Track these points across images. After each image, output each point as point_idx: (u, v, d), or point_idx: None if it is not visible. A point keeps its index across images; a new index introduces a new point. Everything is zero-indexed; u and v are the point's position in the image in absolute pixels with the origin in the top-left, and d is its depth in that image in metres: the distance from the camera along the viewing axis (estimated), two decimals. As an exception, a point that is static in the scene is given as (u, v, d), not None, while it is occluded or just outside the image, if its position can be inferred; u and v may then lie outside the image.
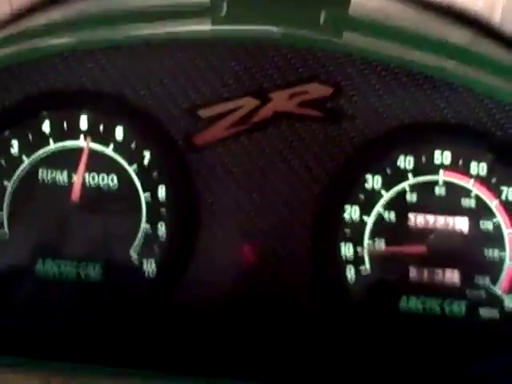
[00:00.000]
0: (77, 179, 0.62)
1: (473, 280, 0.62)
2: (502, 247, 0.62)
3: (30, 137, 0.63)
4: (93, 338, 0.63)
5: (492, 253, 0.62)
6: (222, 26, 0.65)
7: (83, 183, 0.63)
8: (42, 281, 0.63)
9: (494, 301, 0.62)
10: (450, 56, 0.64)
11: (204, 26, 0.65)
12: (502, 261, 0.62)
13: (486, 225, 0.62)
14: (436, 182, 0.62)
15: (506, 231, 0.62)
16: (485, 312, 0.62)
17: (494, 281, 0.62)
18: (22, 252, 0.63)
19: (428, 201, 0.62)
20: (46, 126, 0.63)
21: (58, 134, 0.63)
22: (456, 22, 0.79)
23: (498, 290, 0.62)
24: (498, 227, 0.62)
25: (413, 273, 0.62)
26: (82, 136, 0.63)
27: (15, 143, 0.63)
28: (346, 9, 0.70)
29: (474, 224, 0.62)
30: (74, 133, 0.63)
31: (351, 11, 0.71)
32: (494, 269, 0.62)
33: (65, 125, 0.63)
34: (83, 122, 0.63)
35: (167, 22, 0.65)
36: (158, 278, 0.63)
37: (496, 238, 0.62)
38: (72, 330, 0.63)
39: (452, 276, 0.62)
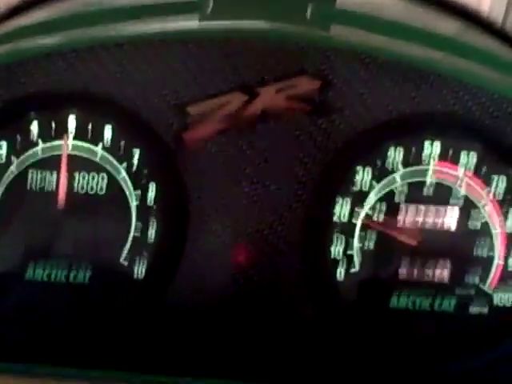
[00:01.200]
0: (61, 183, 0.62)
1: (463, 277, 0.63)
2: (491, 245, 0.63)
3: (19, 138, 0.63)
4: (83, 341, 0.63)
5: (481, 251, 0.63)
6: (208, 22, 0.65)
7: (72, 184, 0.63)
8: (32, 285, 0.63)
9: (484, 298, 0.63)
10: (438, 47, 0.64)
11: (190, 23, 0.65)
12: (491, 258, 0.63)
13: (475, 223, 0.62)
14: (426, 173, 0.62)
15: (494, 229, 0.62)
16: (474, 309, 0.63)
17: (484, 278, 0.63)
18: (12, 257, 0.63)
19: (418, 192, 0.62)
20: (34, 127, 0.63)
21: (47, 135, 0.63)
22: (444, 12, 0.79)
23: (488, 287, 0.63)
24: (486, 226, 0.62)
25: (403, 271, 0.63)
26: (70, 136, 0.63)
27: (3, 145, 0.63)
28: (333, 2, 0.70)
29: (463, 222, 0.63)
30: (63, 133, 0.63)
31: (338, 4, 0.71)
32: (483, 266, 0.63)
33: (53, 125, 0.63)
34: (71, 123, 0.63)
35: (154, 20, 0.65)
36: (148, 280, 0.63)
37: (485, 237, 0.63)
38: (63, 334, 0.63)
39: (442, 275, 0.63)
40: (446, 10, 0.79)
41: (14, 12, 0.76)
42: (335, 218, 0.63)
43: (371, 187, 0.62)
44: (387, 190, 0.63)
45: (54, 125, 0.63)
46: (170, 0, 0.68)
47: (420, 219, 0.63)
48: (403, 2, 0.79)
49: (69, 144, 0.62)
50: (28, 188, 0.63)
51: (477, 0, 0.81)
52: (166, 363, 0.64)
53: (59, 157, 0.63)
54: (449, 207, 0.63)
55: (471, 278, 0.63)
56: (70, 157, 0.63)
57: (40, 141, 0.63)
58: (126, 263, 0.63)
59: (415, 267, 0.63)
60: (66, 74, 0.62)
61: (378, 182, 0.62)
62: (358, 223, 0.62)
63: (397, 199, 0.63)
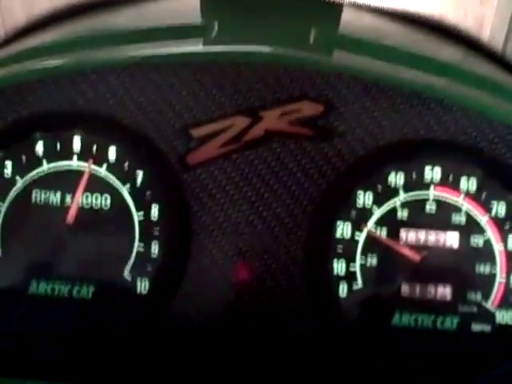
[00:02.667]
0: (74, 202, 0.63)
1: (465, 296, 0.63)
2: (493, 262, 0.63)
3: (24, 158, 0.63)
4: (86, 357, 0.63)
5: (483, 268, 0.63)
6: (213, 46, 0.66)
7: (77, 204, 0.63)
8: (36, 300, 0.63)
9: (486, 316, 0.63)
10: (439, 73, 0.65)
11: (195, 47, 0.66)
12: (493, 276, 0.63)
13: (477, 241, 0.63)
14: (427, 198, 0.63)
15: (496, 247, 0.62)
16: (477, 327, 0.63)
17: (486, 296, 0.63)
18: (16, 273, 0.63)
19: (419, 217, 0.63)
20: (39, 147, 0.63)
21: (52, 155, 0.63)
22: (446, 38, 0.80)
23: (490, 305, 0.63)
24: (488, 243, 0.63)
25: (405, 289, 0.63)
26: (75, 157, 0.63)
27: (9, 164, 0.63)
28: (335, 27, 0.71)
29: (465, 240, 0.63)
30: (68, 154, 0.63)
31: (341, 29, 0.72)
32: (485, 284, 0.63)
33: (58, 146, 0.63)
34: (76, 143, 0.63)
35: (159, 43, 0.65)
36: (151, 297, 0.63)
37: (487, 254, 0.63)
38: (66, 350, 0.63)
39: (444, 292, 0.63)
40: (447, 37, 0.80)
41: (20, 34, 0.77)
42: (338, 237, 0.63)
43: (372, 211, 0.63)
44: (388, 212, 0.63)
45: (58, 145, 0.63)
46: (175, 24, 0.69)
47: (421, 241, 0.63)
48: (405, 28, 0.80)
49: (90, 167, 0.63)
50: (32, 206, 0.63)
51: (478, 27, 0.81)
52: (167, 378, 0.63)
53: (63, 176, 0.63)
54: (450, 228, 0.63)
55: (473, 295, 0.63)
56: (74, 176, 0.63)
57: (45, 161, 0.63)
58: (129, 278, 0.64)
59: (417, 285, 0.63)
60: (71, 95, 0.63)
61: (379, 206, 0.63)
62: (360, 244, 0.63)
63: (398, 222, 0.63)
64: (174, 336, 0.63)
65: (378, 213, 0.63)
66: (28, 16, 0.78)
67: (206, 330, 0.63)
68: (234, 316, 0.63)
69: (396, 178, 0.63)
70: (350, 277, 0.63)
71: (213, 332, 0.63)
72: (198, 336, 0.63)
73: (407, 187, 0.63)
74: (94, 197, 0.63)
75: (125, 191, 0.63)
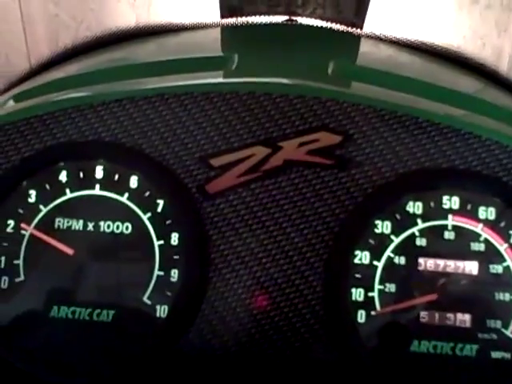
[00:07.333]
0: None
1: (484, 323, 0.62)
2: None
3: (48, 186, 0.65)
4: (105, 380, 0.63)
5: (503, 296, 0.62)
6: (233, 77, 0.67)
7: (98, 230, 0.64)
8: (57, 323, 0.64)
9: (506, 343, 0.62)
10: (457, 104, 0.66)
11: (216, 79, 0.67)
12: None
13: (496, 268, 0.62)
14: (445, 227, 0.63)
15: None
16: (497, 354, 0.62)
17: (506, 323, 0.62)
18: (38, 299, 0.64)
19: (437, 245, 0.63)
20: (63, 176, 0.65)
21: (75, 184, 0.64)
22: (464, 69, 0.81)
23: (510, 332, 0.62)
24: (508, 270, 0.62)
25: (424, 317, 0.63)
26: (97, 185, 0.64)
27: (33, 193, 0.64)
28: (353, 59, 0.72)
29: (484, 268, 0.62)
30: (90, 182, 0.64)
31: (359, 61, 0.73)
32: (505, 312, 0.62)
33: (81, 175, 0.65)
34: (99, 172, 0.64)
35: (180, 75, 0.67)
36: (170, 324, 0.63)
37: (506, 282, 0.62)
38: (85, 375, 0.64)
39: (463, 319, 0.62)
40: (465, 68, 0.81)
41: (45, 66, 0.79)
42: (356, 265, 0.63)
43: (390, 239, 0.63)
44: (407, 240, 0.63)
45: (81, 174, 0.65)
46: (195, 56, 0.70)
47: (440, 269, 0.63)
48: (423, 59, 0.81)
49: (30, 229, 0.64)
50: (56, 233, 0.64)
51: (496, 58, 0.82)
52: None
53: (86, 204, 0.64)
54: (469, 257, 0.63)
55: (493, 323, 0.62)
56: (96, 205, 0.64)
57: (68, 189, 0.64)
58: (149, 303, 0.64)
59: (437, 311, 0.63)
60: (94, 125, 0.64)
61: (397, 234, 0.63)
62: (378, 272, 0.63)
63: (417, 250, 0.63)
64: (192, 361, 0.63)
65: (396, 241, 0.63)
66: (52, 49, 0.80)
67: (224, 357, 0.63)
68: (252, 343, 0.63)
69: (414, 208, 0.63)
70: (368, 303, 0.63)
71: (231, 359, 0.63)
72: (216, 362, 0.63)
73: (425, 216, 0.63)
74: (115, 224, 0.64)
75: (145, 219, 0.64)
